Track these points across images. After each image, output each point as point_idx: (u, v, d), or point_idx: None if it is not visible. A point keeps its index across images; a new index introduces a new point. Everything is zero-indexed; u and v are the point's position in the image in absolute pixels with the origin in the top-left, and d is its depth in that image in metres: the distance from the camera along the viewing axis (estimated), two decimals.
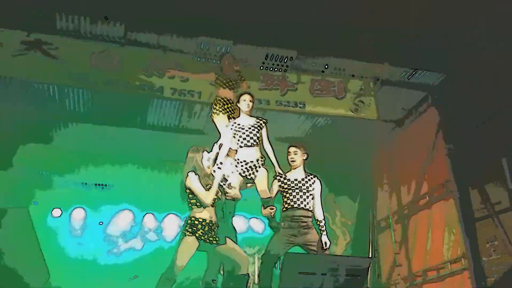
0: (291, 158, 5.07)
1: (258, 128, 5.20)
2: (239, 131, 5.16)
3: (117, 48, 6.95)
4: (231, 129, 5.21)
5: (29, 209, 3.98)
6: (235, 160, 5.13)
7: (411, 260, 8.60)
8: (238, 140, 5.15)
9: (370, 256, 8.87)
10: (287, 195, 4.95)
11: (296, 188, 4.94)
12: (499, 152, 7.00)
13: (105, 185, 9.71)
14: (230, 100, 5.79)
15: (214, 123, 5.68)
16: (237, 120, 5.29)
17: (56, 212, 9.27)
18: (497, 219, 7.01)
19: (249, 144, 5.13)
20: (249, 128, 5.17)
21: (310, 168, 5.18)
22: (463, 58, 7.18)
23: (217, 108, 5.70)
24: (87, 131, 8.44)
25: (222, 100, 5.76)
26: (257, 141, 5.18)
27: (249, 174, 5.09)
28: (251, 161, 5.09)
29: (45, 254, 4.26)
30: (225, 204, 5.15)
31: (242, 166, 5.09)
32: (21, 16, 6.50)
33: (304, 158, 5.09)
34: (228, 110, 5.72)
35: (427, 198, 8.39)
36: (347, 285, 3.96)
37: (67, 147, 8.85)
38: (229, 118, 5.61)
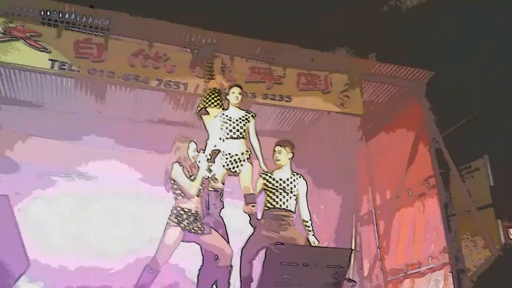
0: (276, 157, 5.05)
1: (246, 121, 5.19)
2: (226, 123, 5.15)
3: (101, 37, 6.85)
4: (219, 120, 5.19)
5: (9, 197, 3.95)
6: (220, 152, 5.11)
7: (393, 254, 8.70)
8: (224, 131, 5.14)
9: (352, 249, 8.94)
10: (270, 195, 4.94)
11: (280, 189, 4.92)
12: (481, 149, 7.10)
13: (89, 176, 9.61)
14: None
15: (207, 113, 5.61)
16: (226, 112, 5.28)
17: (38, 203, 9.18)
18: (478, 215, 7.10)
19: (234, 136, 5.12)
20: (236, 120, 5.16)
21: (295, 162, 5.17)
22: (448, 55, 7.23)
23: (217, 100, 5.63)
24: (69, 120, 8.33)
25: (217, 92, 5.69)
26: (243, 133, 5.16)
27: (233, 167, 5.07)
28: (235, 154, 5.08)
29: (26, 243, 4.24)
30: (209, 196, 5.15)
31: (226, 158, 5.07)
32: (3, 2, 6.37)
33: (290, 157, 5.07)
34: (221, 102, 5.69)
35: (410, 193, 8.47)
36: (328, 275, 3.99)
37: (49, 137, 8.72)
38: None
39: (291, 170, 5.08)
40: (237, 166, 5.07)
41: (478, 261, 6.97)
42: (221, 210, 5.31)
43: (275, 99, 7.57)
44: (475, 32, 6.65)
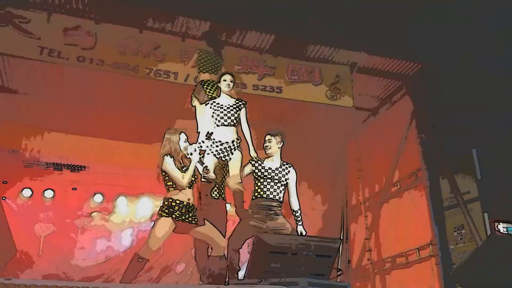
0: (265, 146, 5.06)
1: (237, 108, 5.19)
2: (217, 110, 5.15)
3: (91, 24, 6.76)
4: (210, 108, 5.18)
5: None
6: (211, 140, 5.09)
7: (381, 246, 8.77)
8: (216, 119, 5.13)
9: (341, 239, 8.99)
10: (259, 184, 4.95)
11: (268, 178, 4.93)
12: (469, 143, 7.15)
13: (78, 167, 9.55)
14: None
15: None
16: (217, 100, 5.27)
17: (26, 192, 9.12)
18: (465, 208, 7.17)
19: (226, 123, 5.12)
20: (228, 108, 5.16)
21: (285, 154, 5.17)
22: (438, 48, 7.26)
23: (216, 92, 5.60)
24: (58, 109, 8.24)
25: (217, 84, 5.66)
26: (235, 121, 5.16)
27: (224, 156, 5.07)
28: (226, 142, 5.08)
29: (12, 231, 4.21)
30: (201, 187, 5.14)
31: (217, 146, 5.06)
32: None
33: (280, 146, 5.07)
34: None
35: (399, 186, 8.54)
36: (317, 265, 4.00)
37: (39, 126, 8.64)
38: None
39: (281, 160, 5.08)
40: (228, 155, 5.09)
41: (465, 254, 7.03)
42: (225, 203, 5.36)
43: (266, 90, 7.56)
44: (466, 25, 6.67)
